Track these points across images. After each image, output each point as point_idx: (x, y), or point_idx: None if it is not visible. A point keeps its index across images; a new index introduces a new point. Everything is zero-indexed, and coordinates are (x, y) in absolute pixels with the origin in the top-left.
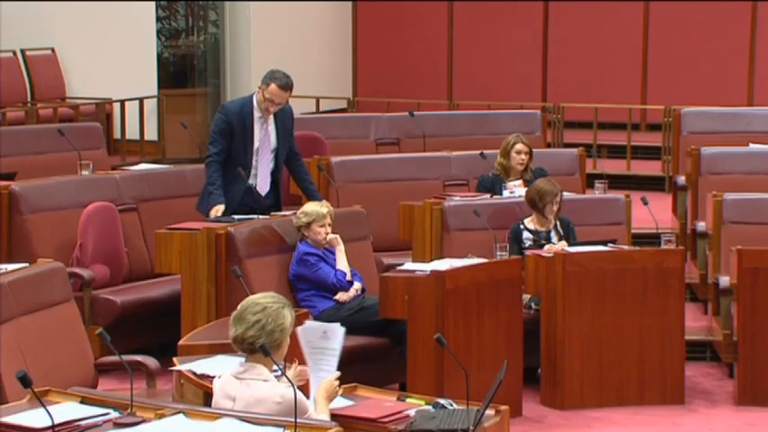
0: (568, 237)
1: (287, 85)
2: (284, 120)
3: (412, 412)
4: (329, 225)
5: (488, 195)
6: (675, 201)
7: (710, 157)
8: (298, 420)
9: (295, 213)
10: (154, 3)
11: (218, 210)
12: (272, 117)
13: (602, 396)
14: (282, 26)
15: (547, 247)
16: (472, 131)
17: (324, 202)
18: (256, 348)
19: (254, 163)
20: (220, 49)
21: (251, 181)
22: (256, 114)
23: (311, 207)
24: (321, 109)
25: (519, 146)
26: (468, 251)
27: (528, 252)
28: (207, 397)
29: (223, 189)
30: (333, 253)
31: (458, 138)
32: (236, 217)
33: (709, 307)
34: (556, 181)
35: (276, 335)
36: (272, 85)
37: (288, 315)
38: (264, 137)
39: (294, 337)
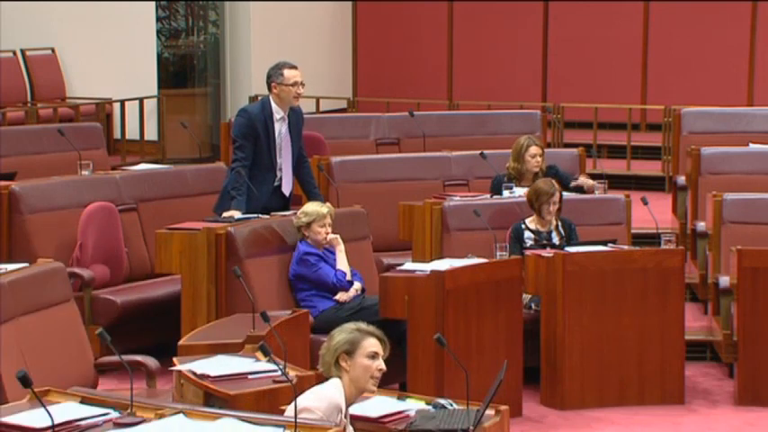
0: (570, 237)
1: (295, 65)
2: (297, 121)
3: (412, 412)
4: (329, 225)
5: (488, 195)
6: (675, 201)
7: (710, 157)
8: (298, 420)
9: (295, 213)
10: (154, 3)
11: (234, 215)
12: (287, 118)
13: (602, 396)
14: (282, 26)
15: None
16: (472, 131)
17: (322, 203)
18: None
19: (278, 164)
20: (220, 49)
21: (276, 182)
22: (276, 116)
23: (311, 207)
24: (321, 109)
25: (533, 149)
26: (468, 251)
27: (528, 252)
28: (207, 397)
29: (250, 192)
30: (333, 253)
31: (458, 138)
32: (235, 217)
33: (709, 307)
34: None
35: (326, 357)
36: (286, 70)
37: (335, 337)
38: (285, 138)
39: None
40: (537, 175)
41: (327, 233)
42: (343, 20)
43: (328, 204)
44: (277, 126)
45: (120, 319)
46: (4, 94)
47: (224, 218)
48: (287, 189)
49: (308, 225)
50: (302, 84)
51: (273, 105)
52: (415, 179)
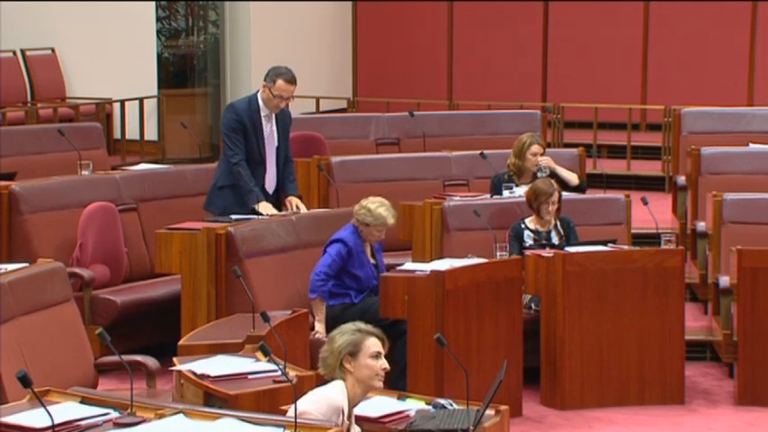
0: (569, 237)
1: (293, 79)
2: (284, 120)
3: (412, 412)
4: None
5: (488, 195)
6: (675, 201)
7: (710, 157)
8: (298, 420)
9: (360, 204)
10: (154, 3)
11: (268, 207)
12: (273, 116)
13: (602, 396)
14: (282, 26)
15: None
16: (472, 131)
17: (392, 211)
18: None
19: (267, 159)
20: (220, 49)
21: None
22: (263, 113)
23: (380, 211)
24: (321, 109)
25: (535, 147)
26: (468, 251)
27: (528, 252)
28: (207, 397)
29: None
30: (370, 259)
31: (458, 138)
32: (234, 217)
33: (709, 307)
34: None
35: (329, 360)
36: (279, 81)
37: (337, 340)
38: (270, 135)
39: None
40: (537, 174)
41: (379, 239)
42: (343, 20)
43: (394, 213)
44: (264, 123)
45: (120, 319)
46: (4, 94)
47: (222, 218)
48: (270, 187)
49: (367, 225)
50: (288, 99)
51: (260, 103)
52: (415, 179)
